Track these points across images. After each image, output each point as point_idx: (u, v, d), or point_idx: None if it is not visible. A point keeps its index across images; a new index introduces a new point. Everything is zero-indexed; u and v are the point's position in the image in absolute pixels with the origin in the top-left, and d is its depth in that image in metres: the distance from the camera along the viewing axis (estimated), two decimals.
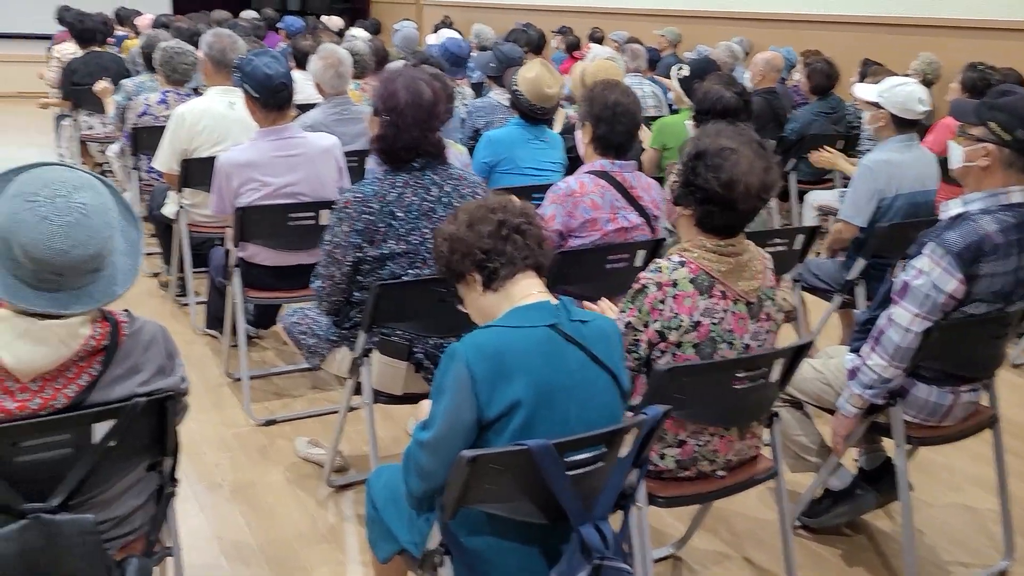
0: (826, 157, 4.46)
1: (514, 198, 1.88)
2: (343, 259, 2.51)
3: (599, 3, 10.30)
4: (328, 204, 3.26)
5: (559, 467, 1.61)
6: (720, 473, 2.20)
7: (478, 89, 6.06)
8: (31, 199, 1.50)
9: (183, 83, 4.65)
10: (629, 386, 1.85)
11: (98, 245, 1.55)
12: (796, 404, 2.66)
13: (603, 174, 2.85)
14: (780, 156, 5.41)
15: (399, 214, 2.49)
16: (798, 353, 2.17)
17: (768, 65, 5.63)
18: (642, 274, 2.10)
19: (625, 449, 1.75)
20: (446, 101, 2.62)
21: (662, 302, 2.04)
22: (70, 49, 6.97)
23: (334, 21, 10.21)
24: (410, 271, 2.53)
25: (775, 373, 2.14)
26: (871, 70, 5.21)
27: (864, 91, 3.54)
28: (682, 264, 2.06)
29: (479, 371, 1.62)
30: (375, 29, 8.66)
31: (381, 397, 2.64)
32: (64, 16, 7.49)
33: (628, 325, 2.07)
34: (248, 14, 9.63)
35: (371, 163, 3.53)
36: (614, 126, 2.82)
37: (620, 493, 1.79)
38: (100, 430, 1.62)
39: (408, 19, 9.87)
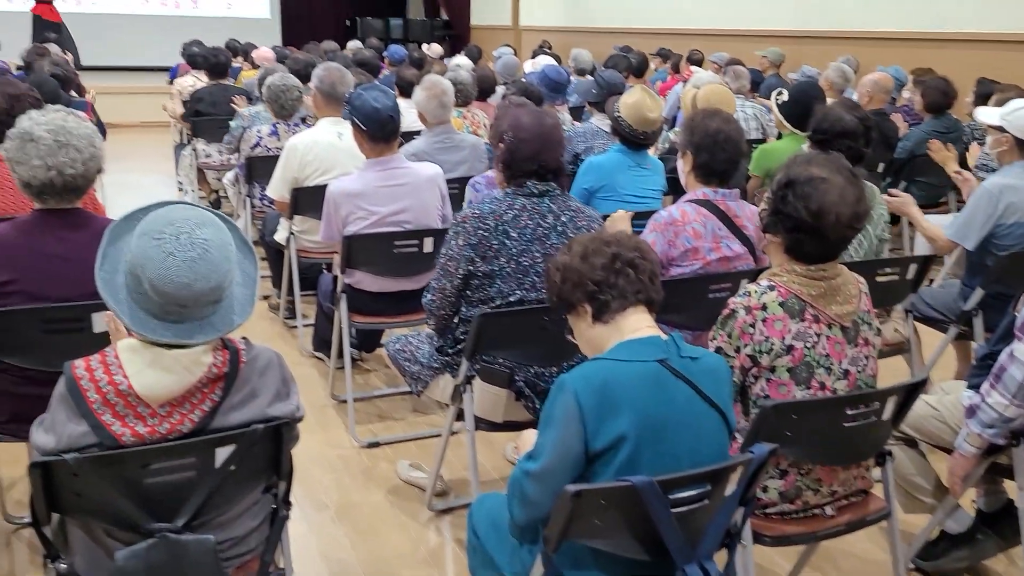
0: (944, 154, 4.33)
1: (628, 231, 1.89)
2: (455, 272, 2.59)
3: (698, 24, 10.22)
4: (432, 232, 3.36)
5: (664, 504, 1.60)
6: (828, 511, 2.14)
7: (576, 114, 6.10)
8: (157, 237, 1.59)
9: (291, 116, 4.87)
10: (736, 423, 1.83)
11: (218, 278, 1.63)
12: (910, 442, 2.56)
13: (705, 203, 2.82)
14: (890, 178, 5.24)
15: (513, 234, 2.55)
16: (912, 390, 2.09)
17: (876, 86, 5.47)
18: (731, 299, 2.09)
19: (731, 487, 1.72)
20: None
21: (752, 326, 2.02)
22: (189, 82, 7.37)
23: (435, 48, 10.46)
24: (517, 291, 2.58)
25: (888, 410, 2.07)
26: (997, 89, 4.98)
27: (986, 114, 3.41)
28: (771, 288, 2.05)
29: (587, 403, 1.63)
30: (477, 56, 8.81)
31: (482, 424, 2.67)
32: (194, 51, 7.90)
33: (718, 351, 2.05)
34: (354, 44, 9.96)
35: (470, 193, 3.60)
36: (715, 154, 2.80)
37: (725, 531, 1.76)
38: (222, 454, 1.69)
39: (507, 45, 10.04)
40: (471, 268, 2.57)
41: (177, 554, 1.63)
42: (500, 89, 6.39)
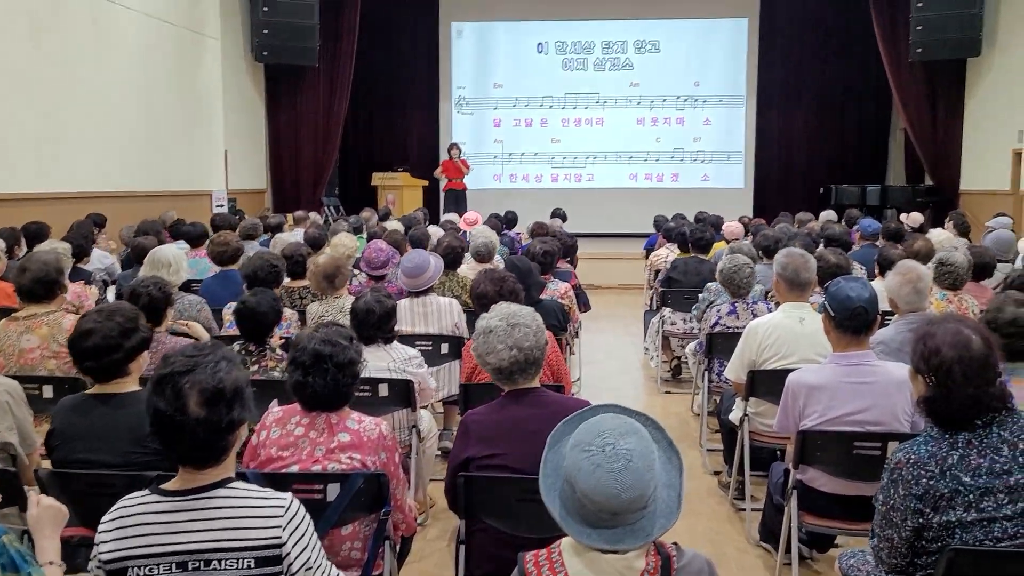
0: None
1: None
2: (901, 523, 2.30)
3: None
4: (897, 436, 3.10)
5: None
6: None
7: None
8: (586, 449, 1.74)
9: (747, 294, 4.96)
10: None
11: (642, 487, 1.72)
12: None
13: None
14: None
15: (965, 479, 2.21)
16: None
17: None
18: None
19: None
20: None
21: None
22: (663, 254, 7.94)
23: (914, 217, 9.87)
24: (985, 543, 2.22)
25: None
26: None
27: None
28: None
29: None
30: (966, 228, 8.09)
31: None
32: (669, 226, 8.56)
33: None
34: (827, 214, 9.86)
35: None
36: None
37: None
38: None
39: (1003, 214, 9.07)
40: (921, 520, 2.25)
41: None
42: (1001, 269, 5.78)
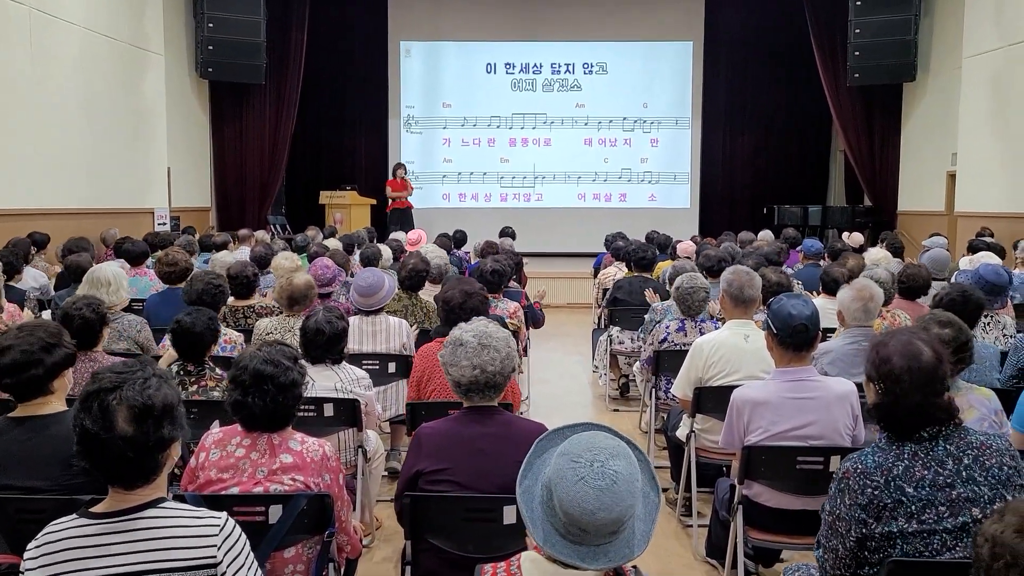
0: None
1: None
2: (846, 533, 2.32)
3: None
4: (839, 450, 3.15)
5: None
6: None
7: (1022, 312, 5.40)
8: (575, 460, 1.71)
9: (698, 314, 5.01)
10: None
11: (620, 511, 1.69)
12: None
13: None
14: None
15: (909, 490, 2.24)
16: None
17: None
18: None
19: None
20: (949, 361, 2.35)
21: None
22: (611, 272, 7.99)
23: (855, 238, 10.11)
24: (925, 554, 2.25)
25: None
26: None
27: None
28: None
29: None
30: (899, 248, 8.31)
31: None
32: (618, 244, 8.61)
33: None
34: (765, 235, 10.04)
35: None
36: None
37: None
38: None
39: (938, 233, 9.34)
40: (864, 531, 2.28)
41: None
42: (936, 287, 5.91)
